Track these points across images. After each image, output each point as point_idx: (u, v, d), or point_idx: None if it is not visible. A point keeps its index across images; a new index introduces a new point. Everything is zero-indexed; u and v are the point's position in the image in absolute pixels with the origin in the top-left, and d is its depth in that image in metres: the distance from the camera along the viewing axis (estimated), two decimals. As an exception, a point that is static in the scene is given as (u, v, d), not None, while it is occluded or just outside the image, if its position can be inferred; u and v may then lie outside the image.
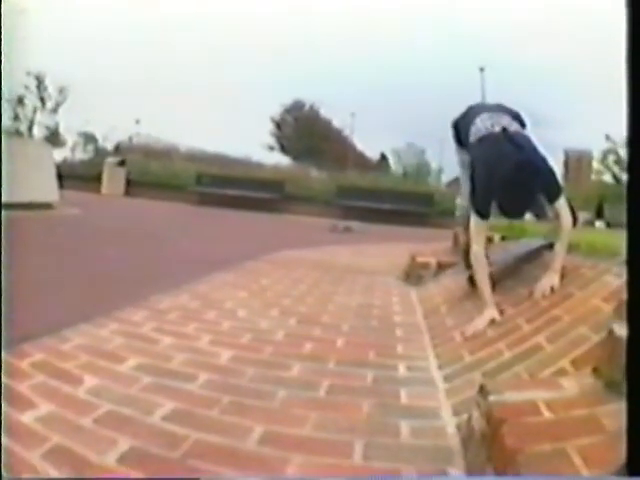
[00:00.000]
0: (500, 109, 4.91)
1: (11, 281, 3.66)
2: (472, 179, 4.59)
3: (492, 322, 4.01)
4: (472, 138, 4.70)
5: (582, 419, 1.99)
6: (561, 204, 4.39)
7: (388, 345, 4.12)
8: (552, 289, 4.01)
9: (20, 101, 42.31)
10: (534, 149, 4.45)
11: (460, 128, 5.08)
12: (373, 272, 8.13)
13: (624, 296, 2.64)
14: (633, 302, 1.78)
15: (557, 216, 4.41)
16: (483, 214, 4.41)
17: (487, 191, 4.33)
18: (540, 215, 4.93)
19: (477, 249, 4.44)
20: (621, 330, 2.19)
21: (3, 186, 8.65)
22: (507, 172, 4.10)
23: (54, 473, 1.97)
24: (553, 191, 4.39)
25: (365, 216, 21.87)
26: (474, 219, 4.45)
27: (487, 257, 4.95)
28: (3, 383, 2.60)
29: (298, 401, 2.89)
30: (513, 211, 4.44)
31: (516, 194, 4.14)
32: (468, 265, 5.34)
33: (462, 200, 4.92)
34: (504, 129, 4.53)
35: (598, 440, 1.83)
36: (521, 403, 2.16)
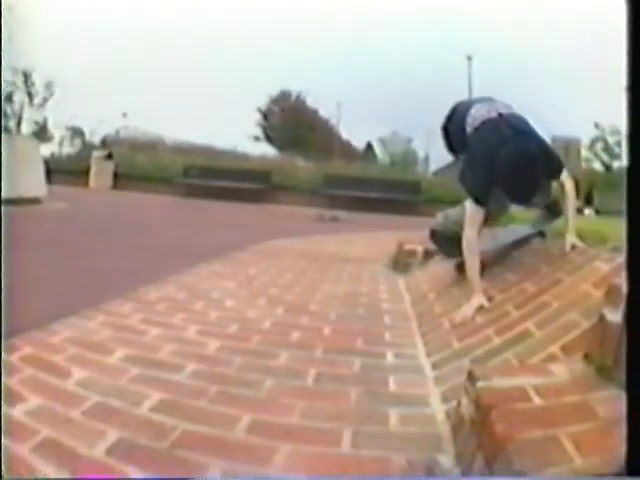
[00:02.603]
0: (489, 99, 4.91)
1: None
2: (469, 166, 4.60)
3: (480, 309, 4.01)
4: (469, 129, 4.69)
5: (573, 405, 1.98)
6: (564, 176, 4.57)
7: (376, 333, 4.11)
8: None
9: (9, 98, 42.09)
10: (532, 130, 4.52)
11: (451, 129, 5.06)
12: (360, 260, 8.12)
13: (615, 281, 2.64)
14: (633, 292, 1.76)
15: (562, 187, 4.61)
16: (480, 201, 4.41)
17: (487, 177, 4.34)
18: (535, 203, 4.97)
19: (470, 235, 4.42)
20: (612, 315, 2.18)
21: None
22: (510, 159, 4.15)
23: (44, 466, 1.96)
24: (557, 168, 4.51)
25: (352, 205, 21.84)
26: (470, 205, 4.45)
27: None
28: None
29: (286, 390, 2.88)
30: (522, 197, 4.46)
31: (522, 180, 4.20)
32: (447, 254, 5.37)
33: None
34: (500, 114, 4.56)
35: (591, 427, 1.81)
36: (510, 389, 2.15)
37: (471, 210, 4.44)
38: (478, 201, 4.41)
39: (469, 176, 4.56)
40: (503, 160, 4.16)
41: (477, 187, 4.45)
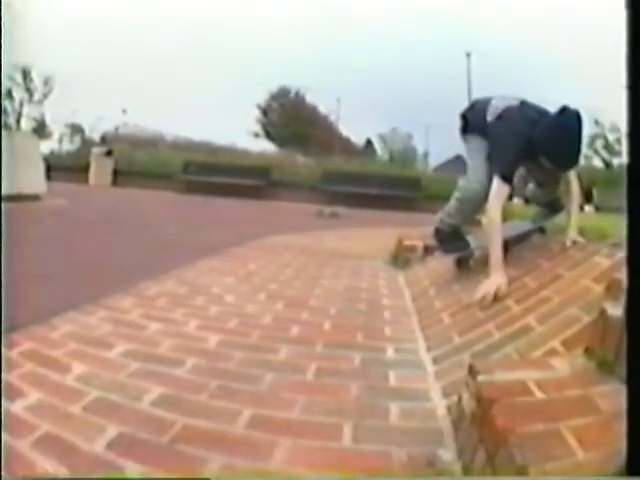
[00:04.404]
0: (505, 96, 4.98)
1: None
2: (496, 147, 4.68)
3: (499, 289, 4.02)
4: (490, 117, 4.81)
5: (575, 399, 1.98)
6: (572, 173, 4.72)
7: (376, 328, 4.11)
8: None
9: (9, 94, 42.13)
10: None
11: (470, 118, 5.12)
12: (360, 256, 8.12)
13: (615, 276, 2.63)
14: (633, 286, 1.76)
15: (567, 183, 4.77)
16: (507, 177, 4.49)
17: (516, 155, 4.52)
18: (538, 199, 5.02)
19: (495, 213, 4.45)
20: (613, 310, 2.18)
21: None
22: (550, 128, 4.32)
23: (43, 461, 1.96)
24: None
25: (351, 201, 21.84)
26: (497, 184, 4.49)
27: (467, 240, 5.04)
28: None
29: (286, 384, 2.88)
30: (569, 160, 4.56)
31: (567, 143, 4.35)
32: (445, 249, 5.38)
33: (468, 182, 4.93)
34: (522, 102, 4.76)
35: (593, 421, 1.81)
36: (511, 383, 2.15)
37: (497, 187, 4.49)
38: (505, 178, 4.48)
39: (496, 156, 4.63)
40: (545, 130, 4.34)
41: (505, 164, 4.53)
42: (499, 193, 4.47)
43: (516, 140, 4.46)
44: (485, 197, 4.73)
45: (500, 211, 4.46)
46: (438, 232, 5.33)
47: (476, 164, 4.89)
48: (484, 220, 4.62)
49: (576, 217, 4.63)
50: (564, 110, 4.25)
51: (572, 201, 4.73)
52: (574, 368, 2.24)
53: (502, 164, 4.54)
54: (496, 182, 4.49)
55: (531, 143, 4.38)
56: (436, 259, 6.45)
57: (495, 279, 4.10)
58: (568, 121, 4.26)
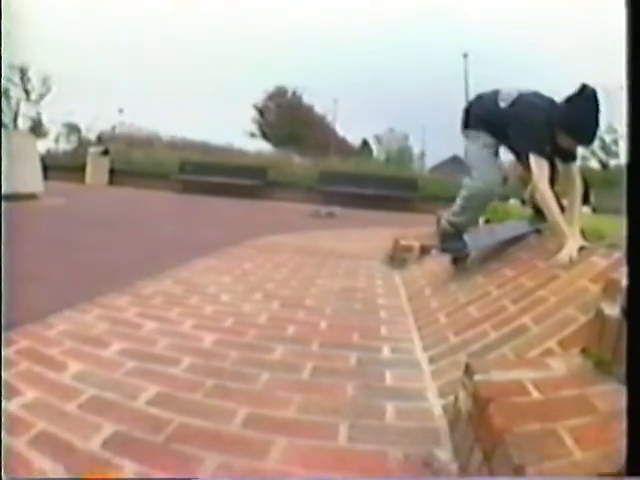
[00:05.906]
0: None
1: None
2: (520, 129, 4.67)
3: (580, 249, 4.00)
4: (503, 104, 4.84)
5: (572, 399, 1.98)
6: (576, 167, 4.78)
7: (372, 327, 4.11)
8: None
9: (5, 94, 41.98)
10: None
11: (474, 111, 5.15)
12: (356, 256, 8.12)
13: (612, 276, 2.63)
14: (632, 286, 1.76)
15: (570, 178, 4.74)
16: (542, 152, 4.52)
17: (543, 132, 4.51)
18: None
19: (543, 187, 4.50)
20: (610, 309, 2.18)
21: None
22: (574, 101, 4.34)
23: (40, 459, 1.96)
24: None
25: (348, 201, 21.78)
26: (535, 160, 4.53)
27: (465, 241, 5.06)
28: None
29: (282, 383, 2.88)
30: (591, 133, 4.53)
31: (589, 116, 4.32)
32: (443, 249, 5.39)
33: (472, 180, 4.93)
34: (534, 91, 4.82)
35: (590, 421, 1.81)
36: (508, 383, 2.15)
37: (537, 164, 4.54)
38: (540, 152, 4.52)
39: (525, 137, 4.65)
40: (567, 105, 4.40)
41: (537, 141, 4.56)
42: (540, 169, 4.51)
43: (540, 115, 4.52)
44: (490, 196, 4.77)
45: (548, 185, 4.51)
46: (442, 232, 5.34)
47: (480, 161, 4.94)
48: (537, 196, 4.66)
49: (578, 214, 4.66)
50: (584, 87, 4.26)
51: (575, 197, 4.71)
52: (571, 368, 2.24)
53: (532, 141, 4.58)
54: (534, 162, 4.53)
55: (551, 122, 4.44)
56: (432, 259, 6.46)
57: (574, 243, 4.09)
58: (589, 96, 4.26)
